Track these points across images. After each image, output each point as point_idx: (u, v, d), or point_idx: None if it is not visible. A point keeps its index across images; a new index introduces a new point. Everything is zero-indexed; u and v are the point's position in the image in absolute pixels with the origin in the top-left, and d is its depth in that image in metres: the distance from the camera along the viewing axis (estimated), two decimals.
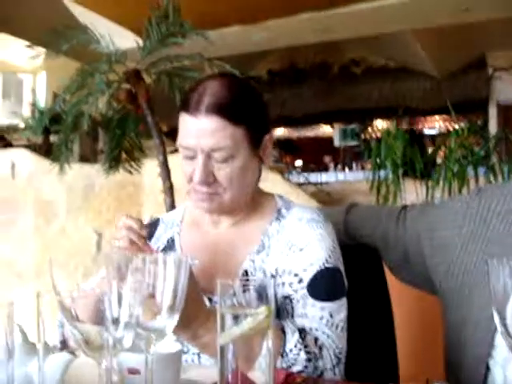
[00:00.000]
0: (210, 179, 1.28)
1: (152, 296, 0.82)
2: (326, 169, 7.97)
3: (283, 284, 1.28)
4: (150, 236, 1.44)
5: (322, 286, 1.26)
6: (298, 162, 8.14)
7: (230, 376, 0.78)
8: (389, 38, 6.55)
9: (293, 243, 1.31)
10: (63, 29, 4.50)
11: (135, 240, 1.21)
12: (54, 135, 6.79)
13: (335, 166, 8.19)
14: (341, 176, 7.28)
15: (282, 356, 1.15)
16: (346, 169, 7.86)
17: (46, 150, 6.50)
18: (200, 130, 1.27)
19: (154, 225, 1.49)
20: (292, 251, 1.30)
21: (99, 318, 0.73)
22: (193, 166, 1.30)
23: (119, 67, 4.28)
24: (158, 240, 1.44)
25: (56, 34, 4.41)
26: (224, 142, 1.27)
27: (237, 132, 1.28)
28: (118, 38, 4.45)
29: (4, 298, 0.60)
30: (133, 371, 0.93)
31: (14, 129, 8.62)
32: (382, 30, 6.57)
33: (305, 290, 1.26)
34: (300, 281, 1.27)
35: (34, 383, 0.82)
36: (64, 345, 1.32)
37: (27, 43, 6.59)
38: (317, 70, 7.54)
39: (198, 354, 1.28)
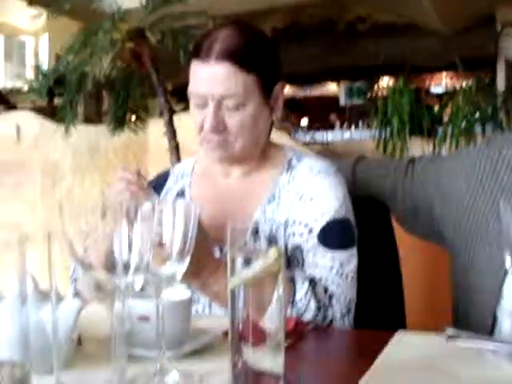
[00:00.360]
0: (220, 127, 1.28)
1: (161, 242, 0.82)
2: (331, 127, 7.93)
3: (293, 234, 1.28)
4: (160, 188, 1.44)
5: (333, 236, 1.26)
6: (304, 121, 8.09)
7: (240, 324, 0.78)
8: None
9: (303, 193, 1.31)
10: None
11: (136, 191, 1.20)
12: (59, 98, 6.76)
13: (341, 125, 8.14)
14: (347, 135, 7.25)
15: (292, 305, 1.16)
16: (352, 127, 7.82)
17: (50, 113, 6.46)
18: (211, 76, 1.27)
19: (163, 177, 1.49)
20: (302, 201, 1.30)
21: (110, 264, 0.74)
22: (203, 114, 1.29)
23: (123, 26, 4.22)
24: (168, 192, 1.45)
25: None
26: (235, 88, 1.26)
27: (248, 79, 1.27)
28: None
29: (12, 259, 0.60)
30: (143, 318, 0.94)
31: (17, 92, 8.57)
32: None
33: (315, 240, 1.26)
34: (310, 231, 1.27)
35: (47, 330, 0.83)
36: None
37: (28, 4, 6.52)
38: (322, 27, 7.43)
39: (209, 304, 1.30)
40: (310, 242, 1.26)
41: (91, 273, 0.74)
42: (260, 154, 1.38)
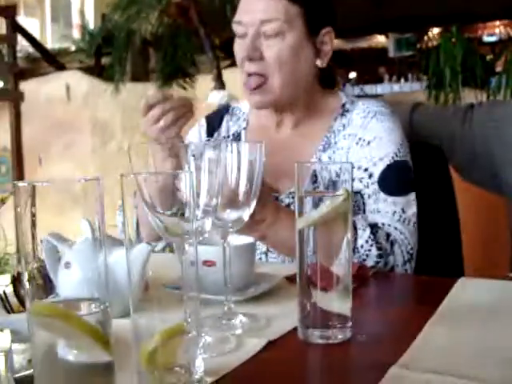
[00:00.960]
0: (257, 54, 1.26)
1: (227, 184, 0.82)
2: (380, 80, 7.77)
3: (353, 179, 1.26)
4: (216, 124, 1.45)
5: (393, 180, 1.25)
6: (352, 75, 7.95)
7: (309, 267, 0.78)
8: None
9: (360, 137, 1.29)
10: None
11: (178, 106, 1.14)
12: (106, 57, 6.81)
13: (390, 78, 7.97)
14: (396, 87, 7.10)
15: (354, 252, 1.15)
16: (402, 80, 7.65)
17: (98, 72, 6.52)
18: (254, 2, 1.27)
19: (220, 114, 1.48)
20: (360, 145, 1.28)
21: (176, 207, 0.74)
22: (244, 45, 1.28)
23: None
24: (225, 131, 1.45)
25: None
26: (275, 13, 1.24)
27: (290, 8, 1.25)
28: None
29: (61, 220, 0.60)
30: (209, 263, 0.95)
31: (65, 52, 8.65)
32: None
33: (376, 185, 1.24)
34: (370, 175, 1.25)
35: (117, 274, 0.84)
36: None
37: None
38: None
39: (266, 253, 1.30)
40: (370, 187, 1.25)
41: (159, 216, 0.75)
42: (310, 101, 1.36)
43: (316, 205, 0.75)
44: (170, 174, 0.66)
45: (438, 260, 1.42)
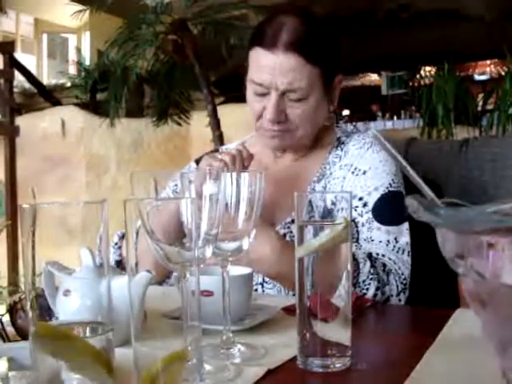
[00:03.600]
0: (281, 118, 1.28)
1: (227, 213, 0.83)
2: (373, 118, 7.88)
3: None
4: None
5: (387, 210, 1.26)
6: (345, 112, 8.05)
7: (310, 298, 0.78)
8: None
9: (355, 167, 1.31)
10: None
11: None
12: (101, 93, 6.85)
13: (383, 115, 8.08)
14: (389, 124, 7.19)
15: (355, 286, 1.15)
16: (395, 117, 7.75)
17: (93, 108, 6.56)
18: (277, 67, 1.25)
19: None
20: (355, 175, 1.30)
21: (175, 235, 0.74)
22: (263, 102, 1.29)
23: (165, 19, 4.26)
24: None
25: None
26: (300, 81, 1.25)
27: (313, 72, 1.27)
28: None
29: (55, 254, 0.61)
30: (206, 293, 0.95)
31: (61, 88, 8.71)
32: None
33: (370, 214, 1.26)
34: (365, 204, 1.27)
35: (114, 302, 0.84)
36: (119, 264, 1.35)
37: (71, 2, 6.62)
38: (362, 16, 7.37)
39: (262, 284, 1.30)
40: (364, 216, 1.26)
41: (159, 244, 0.75)
42: (312, 138, 1.39)
43: (315, 234, 0.76)
44: (173, 199, 0.67)
45: (432, 290, 1.41)
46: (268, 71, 1.26)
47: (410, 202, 0.37)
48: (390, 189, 1.28)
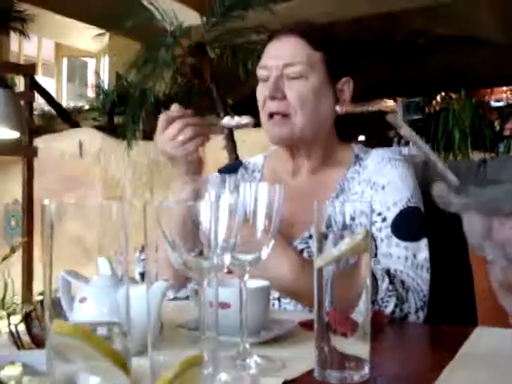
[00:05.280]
0: (279, 95, 1.29)
1: (246, 223, 0.82)
2: (389, 144, 7.87)
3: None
4: None
5: (406, 226, 1.25)
6: (361, 137, 8.05)
7: (328, 312, 0.77)
8: (454, 5, 6.38)
9: (374, 182, 1.30)
10: (127, 6, 4.57)
11: (199, 129, 1.18)
12: (119, 116, 6.93)
13: (398, 141, 8.06)
14: (405, 150, 7.17)
15: (373, 303, 1.13)
16: (410, 143, 7.72)
17: (110, 131, 6.62)
18: (279, 48, 1.32)
19: (234, 167, 1.50)
20: (374, 190, 1.29)
21: (193, 242, 0.74)
22: (266, 87, 1.31)
23: (184, 42, 4.32)
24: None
25: (120, 12, 4.49)
26: (299, 57, 1.29)
27: (314, 54, 1.30)
28: (181, 17, 4.48)
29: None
30: (223, 305, 0.94)
31: (79, 111, 8.82)
32: None
33: (389, 229, 1.25)
34: (384, 220, 1.26)
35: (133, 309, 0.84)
36: (143, 277, 1.35)
37: (91, 26, 6.73)
38: (379, 42, 7.41)
39: (278, 299, 1.29)
40: (383, 231, 1.25)
41: (179, 253, 0.75)
42: (327, 150, 1.39)
43: (335, 243, 0.75)
44: (192, 203, 0.66)
45: (450, 307, 1.39)
46: (271, 55, 1.33)
47: (439, 186, 0.37)
48: (409, 204, 1.27)
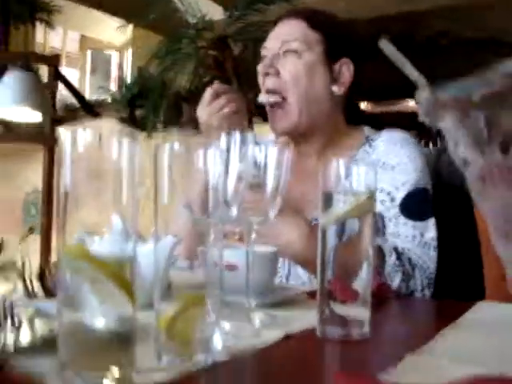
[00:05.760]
0: (272, 70, 1.32)
1: (255, 184, 0.84)
2: None
3: (375, 202, 1.28)
4: None
5: (414, 206, 1.26)
6: None
7: (330, 279, 0.79)
8: (478, 6, 6.35)
9: (384, 161, 1.32)
10: None
11: (239, 107, 1.27)
12: (140, 110, 6.98)
13: (419, 141, 8.05)
14: (426, 151, 7.15)
15: (380, 278, 1.15)
16: (430, 144, 7.71)
17: (131, 124, 6.67)
18: (279, 30, 1.37)
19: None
20: (384, 169, 1.31)
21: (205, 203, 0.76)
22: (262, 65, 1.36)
23: (206, 35, 4.34)
24: None
25: (144, 4, 4.52)
26: (295, 35, 1.33)
27: (311, 33, 1.35)
28: (204, 9, 4.50)
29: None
30: (231, 267, 0.96)
31: (101, 103, 8.88)
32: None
33: (397, 209, 1.26)
34: (392, 199, 1.27)
35: (140, 268, 0.86)
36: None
37: (116, 18, 6.78)
38: (401, 41, 7.38)
39: (287, 278, 1.31)
40: (391, 211, 1.27)
41: (190, 214, 0.77)
42: (333, 132, 1.40)
43: (340, 203, 0.77)
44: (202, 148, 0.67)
45: (458, 286, 1.40)
46: (272, 36, 1.38)
47: (421, 94, 0.38)
48: (418, 185, 1.28)
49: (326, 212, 0.77)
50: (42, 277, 0.93)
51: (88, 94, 10.01)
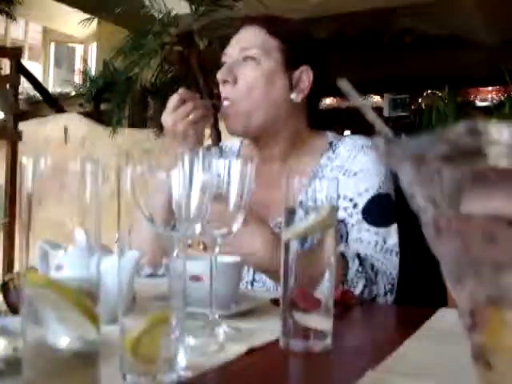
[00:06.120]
0: (230, 77, 1.32)
1: (218, 198, 0.85)
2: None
3: (338, 208, 1.30)
4: None
5: (377, 212, 1.28)
6: (347, 132, 8.11)
7: (293, 287, 0.80)
8: (442, 5, 6.43)
9: (346, 168, 1.33)
10: None
11: (204, 113, 1.26)
12: (105, 104, 6.92)
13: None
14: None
15: (343, 284, 1.17)
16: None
17: (96, 118, 6.61)
18: (239, 36, 1.37)
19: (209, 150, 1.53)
20: (346, 176, 1.32)
21: (168, 216, 0.76)
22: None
23: (172, 30, 4.32)
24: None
25: None
26: (254, 41, 1.33)
27: (270, 40, 1.34)
28: (170, 4, 4.48)
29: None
30: (196, 278, 0.97)
31: (65, 96, 8.77)
32: None
33: (359, 215, 1.28)
34: (355, 206, 1.29)
35: (105, 282, 0.86)
36: None
37: (79, 11, 6.70)
38: (366, 38, 7.45)
39: (252, 282, 1.32)
40: (354, 217, 1.29)
41: (153, 226, 0.77)
42: (296, 137, 1.40)
43: (302, 218, 0.78)
44: (165, 170, 0.68)
45: (420, 291, 1.43)
46: (232, 43, 1.38)
47: (377, 141, 0.39)
48: (380, 191, 1.30)
49: (289, 227, 0.78)
50: (5, 291, 0.92)
51: (52, 87, 9.89)
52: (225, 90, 1.33)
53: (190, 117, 1.24)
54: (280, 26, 1.37)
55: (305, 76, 1.37)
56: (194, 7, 4.30)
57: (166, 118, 1.27)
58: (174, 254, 0.78)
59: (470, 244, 0.34)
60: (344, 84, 0.43)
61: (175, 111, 1.25)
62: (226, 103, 1.32)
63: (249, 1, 4.21)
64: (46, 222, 0.74)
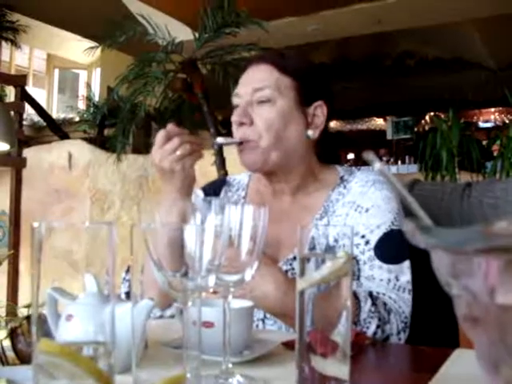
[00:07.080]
0: (246, 119, 1.31)
1: (230, 245, 0.84)
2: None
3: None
4: (215, 195, 1.46)
5: (389, 249, 1.27)
6: (350, 156, 8.09)
7: (309, 332, 0.78)
8: (444, 28, 6.46)
9: (358, 204, 1.32)
10: (120, 20, 4.59)
11: (193, 148, 1.23)
12: (109, 129, 6.94)
13: (388, 160, 8.12)
14: (393, 169, 7.23)
15: (356, 324, 1.15)
16: (399, 162, 7.80)
17: (100, 144, 6.62)
18: (249, 76, 1.36)
19: (219, 185, 1.52)
20: (358, 212, 1.31)
21: (179, 263, 0.75)
22: (236, 113, 1.34)
23: (175, 57, 4.34)
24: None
25: (113, 26, 4.51)
26: (267, 81, 1.32)
27: (282, 79, 1.33)
28: (173, 31, 4.51)
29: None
30: (207, 325, 0.95)
31: (69, 122, 8.82)
32: (436, 21, 6.49)
33: (372, 252, 1.26)
34: (367, 242, 1.27)
35: (117, 330, 0.85)
36: (128, 296, 1.36)
37: (83, 39, 6.75)
38: (369, 62, 7.49)
39: (263, 320, 1.30)
40: (366, 254, 1.27)
41: (164, 274, 0.76)
42: (307, 172, 1.39)
43: (317, 266, 0.77)
44: (178, 226, 0.68)
45: (432, 329, 1.41)
46: (243, 82, 1.37)
47: (408, 225, 0.38)
48: (392, 227, 1.29)
49: (304, 277, 0.77)
50: (13, 337, 0.91)
51: (56, 113, 9.93)
52: (241, 131, 1.32)
53: (177, 153, 1.22)
54: (290, 63, 1.36)
55: (319, 112, 1.37)
56: (197, 34, 4.32)
57: (154, 155, 1.25)
58: (189, 304, 0.77)
59: (508, 334, 0.33)
60: (368, 155, 0.42)
61: (161, 148, 1.23)
62: (244, 145, 1.32)
63: (251, 28, 4.24)
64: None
